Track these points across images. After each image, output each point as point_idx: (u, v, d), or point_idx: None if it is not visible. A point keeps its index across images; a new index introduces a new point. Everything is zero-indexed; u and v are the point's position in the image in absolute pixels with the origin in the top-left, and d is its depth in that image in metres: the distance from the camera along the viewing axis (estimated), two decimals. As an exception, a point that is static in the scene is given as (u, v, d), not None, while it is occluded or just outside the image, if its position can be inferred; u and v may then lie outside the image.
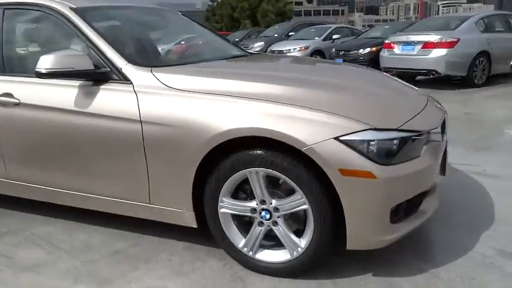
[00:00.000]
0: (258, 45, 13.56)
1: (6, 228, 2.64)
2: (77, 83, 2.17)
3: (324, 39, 12.09)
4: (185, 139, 1.91)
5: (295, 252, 1.89)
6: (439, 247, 2.21)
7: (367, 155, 1.69)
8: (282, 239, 1.91)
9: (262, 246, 1.98)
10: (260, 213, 1.92)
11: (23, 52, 2.58)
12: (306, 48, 11.67)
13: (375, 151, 1.71)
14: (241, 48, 3.33)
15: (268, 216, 1.91)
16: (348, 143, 1.69)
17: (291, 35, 13.60)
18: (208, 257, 2.15)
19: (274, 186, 1.90)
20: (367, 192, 1.70)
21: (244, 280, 1.96)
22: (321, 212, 1.77)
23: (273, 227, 1.92)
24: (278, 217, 1.90)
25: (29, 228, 2.60)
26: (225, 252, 2.06)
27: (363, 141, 1.70)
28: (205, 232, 2.08)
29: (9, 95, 2.36)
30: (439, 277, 1.93)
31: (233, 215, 2.00)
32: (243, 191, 1.98)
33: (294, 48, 11.70)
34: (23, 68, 2.51)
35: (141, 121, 2.00)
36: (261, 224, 1.94)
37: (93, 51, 2.18)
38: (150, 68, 2.11)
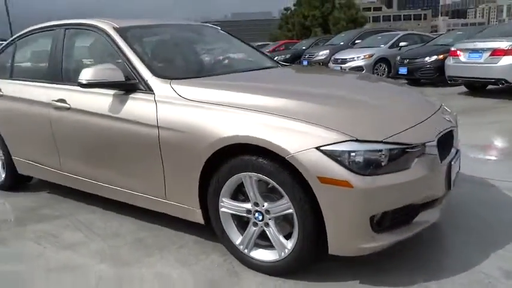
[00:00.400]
0: (322, 54, 13.59)
1: (59, 213, 3.11)
2: (111, 92, 2.53)
3: (391, 47, 11.75)
4: (191, 144, 2.16)
5: (282, 253, 2.03)
6: (441, 261, 2.19)
7: (346, 165, 1.79)
8: (272, 240, 2.07)
9: (258, 245, 2.15)
10: (254, 214, 2.10)
11: (75, 64, 3.03)
12: (370, 56, 11.45)
13: (355, 162, 1.80)
14: (274, 60, 3.52)
15: (260, 217, 2.08)
16: (327, 153, 1.80)
17: (357, 43, 13.42)
18: (213, 251, 2.36)
19: (268, 191, 2.06)
20: (345, 200, 1.79)
21: (238, 275, 2.14)
22: (303, 216, 1.90)
23: (265, 228, 2.09)
24: (269, 219, 2.06)
25: (76, 215, 3.04)
26: (225, 247, 2.27)
27: (343, 151, 1.80)
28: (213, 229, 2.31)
29: (63, 100, 2.80)
30: (426, 291, 1.94)
31: (232, 215, 2.19)
32: (241, 193, 2.16)
33: (358, 57, 11.55)
34: (75, 78, 2.96)
35: (158, 126, 2.28)
36: (255, 224, 2.12)
37: (126, 65, 2.52)
38: (169, 81, 2.39)
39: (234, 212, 2.18)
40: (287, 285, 2.03)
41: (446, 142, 2.20)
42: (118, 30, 2.73)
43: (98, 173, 2.76)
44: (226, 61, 3.36)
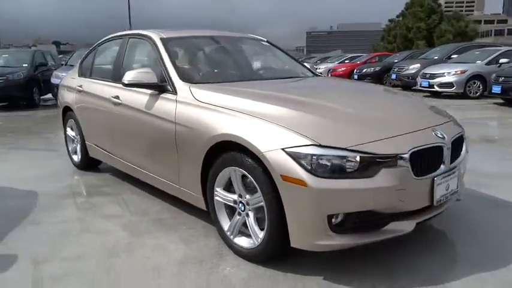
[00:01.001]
0: (412, 68, 13.07)
1: (112, 191, 3.72)
2: (149, 91, 3.02)
3: (488, 63, 10.84)
4: (196, 139, 2.52)
5: (256, 242, 2.27)
6: (411, 274, 2.20)
7: (305, 166, 1.97)
8: (249, 229, 2.32)
9: (242, 233, 2.42)
10: (239, 204, 2.37)
11: (130, 67, 3.62)
12: (463, 72, 10.71)
13: (316, 164, 1.97)
14: (310, 70, 3.74)
15: (243, 208, 2.35)
16: (291, 154, 2.01)
17: (453, 58, 12.60)
18: (213, 236, 2.67)
19: (249, 185, 2.31)
20: (302, 198, 1.98)
21: (222, 257, 2.43)
22: (271, 210, 2.12)
23: (246, 218, 2.35)
24: (249, 210, 2.31)
25: (123, 194, 3.62)
26: (217, 232, 2.57)
27: (306, 154, 1.99)
28: (210, 214, 2.63)
29: (117, 97, 3.39)
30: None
31: (225, 204, 2.49)
32: (232, 185, 2.46)
33: (448, 72, 10.89)
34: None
35: (175, 122, 2.69)
36: (239, 214, 2.39)
37: (162, 69, 3.00)
38: (189, 85, 2.79)
39: (225, 202, 2.47)
40: (259, 270, 2.26)
41: (432, 157, 2.21)
42: (162, 39, 3.23)
43: (134, 158, 3.30)
44: (250, 69, 3.68)
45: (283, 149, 2.03)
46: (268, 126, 2.15)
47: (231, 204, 2.44)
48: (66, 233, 2.84)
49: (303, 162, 1.99)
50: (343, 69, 18.91)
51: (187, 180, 2.73)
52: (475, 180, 3.53)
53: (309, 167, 1.98)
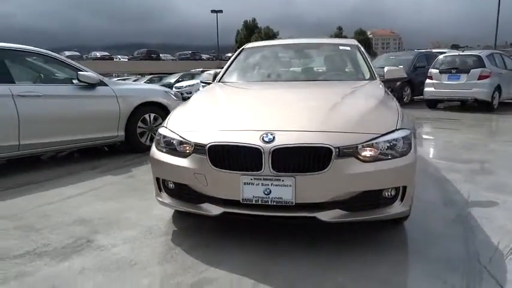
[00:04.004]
0: None
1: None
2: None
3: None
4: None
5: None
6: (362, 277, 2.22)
7: (156, 141, 2.78)
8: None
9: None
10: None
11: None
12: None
13: (161, 141, 2.70)
14: (373, 75, 3.75)
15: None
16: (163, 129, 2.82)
17: None
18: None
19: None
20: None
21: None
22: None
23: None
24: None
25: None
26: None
27: (159, 133, 2.76)
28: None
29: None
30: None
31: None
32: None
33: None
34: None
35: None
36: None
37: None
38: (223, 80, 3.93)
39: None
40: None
41: (242, 156, 2.32)
42: (243, 48, 4.37)
43: None
44: (290, 73, 4.17)
45: (165, 126, 2.81)
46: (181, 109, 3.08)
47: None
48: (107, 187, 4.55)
49: (156, 137, 2.80)
50: None
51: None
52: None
53: (157, 143, 2.76)
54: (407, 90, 12.32)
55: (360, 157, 2.32)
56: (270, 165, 2.28)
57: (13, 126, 4.36)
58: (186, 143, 2.53)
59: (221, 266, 2.33)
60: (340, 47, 4.28)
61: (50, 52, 5.05)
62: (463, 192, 3.65)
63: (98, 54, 55.74)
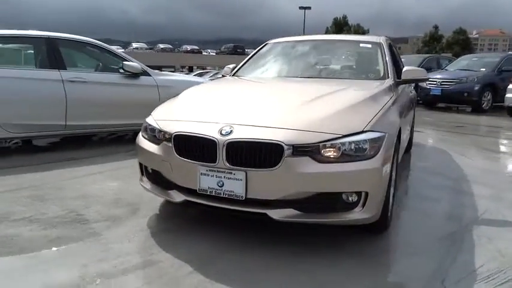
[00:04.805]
0: None
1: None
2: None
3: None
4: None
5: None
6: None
7: (144, 130, 2.93)
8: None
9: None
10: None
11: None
12: None
13: (148, 130, 2.86)
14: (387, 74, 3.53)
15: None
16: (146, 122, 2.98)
17: None
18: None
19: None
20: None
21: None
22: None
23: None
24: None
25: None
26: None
27: (147, 122, 2.92)
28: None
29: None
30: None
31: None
32: None
33: None
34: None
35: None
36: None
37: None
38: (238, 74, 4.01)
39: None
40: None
41: (200, 147, 2.37)
42: (266, 43, 4.39)
43: None
44: (298, 69, 4.01)
45: (151, 115, 3.01)
46: (171, 100, 3.21)
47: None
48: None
49: (143, 124, 2.95)
50: None
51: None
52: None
53: (143, 129, 2.91)
54: (487, 96, 10.95)
55: (317, 157, 2.23)
56: (224, 157, 2.32)
57: (61, 108, 4.91)
58: (160, 131, 2.65)
59: (172, 252, 2.41)
60: (361, 45, 4.07)
61: (100, 42, 5.56)
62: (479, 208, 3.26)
63: (189, 47, 59.14)
